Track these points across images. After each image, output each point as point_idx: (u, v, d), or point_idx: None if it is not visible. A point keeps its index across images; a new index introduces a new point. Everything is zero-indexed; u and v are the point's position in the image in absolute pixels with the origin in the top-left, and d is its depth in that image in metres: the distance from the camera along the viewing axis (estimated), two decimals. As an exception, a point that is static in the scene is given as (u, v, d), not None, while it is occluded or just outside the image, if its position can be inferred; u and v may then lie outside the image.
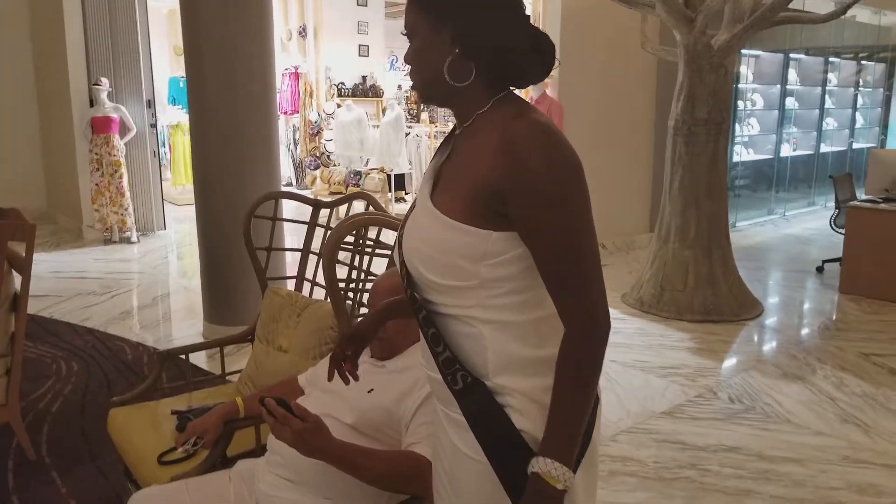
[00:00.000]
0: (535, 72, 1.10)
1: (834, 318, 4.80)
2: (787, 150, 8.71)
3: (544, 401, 1.06)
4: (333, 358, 1.37)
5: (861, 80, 10.01)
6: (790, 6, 4.51)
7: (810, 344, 4.21)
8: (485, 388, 1.08)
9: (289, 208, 2.68)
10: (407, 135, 8.29)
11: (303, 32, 10.35)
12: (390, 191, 7.92)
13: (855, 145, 9.90)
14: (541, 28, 5.24)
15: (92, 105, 6.59)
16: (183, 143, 9.27)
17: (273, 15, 4.04)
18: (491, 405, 1.08)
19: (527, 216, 1.01)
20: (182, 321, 4.47)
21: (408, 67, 1.13)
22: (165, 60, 10.87)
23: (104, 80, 6.49)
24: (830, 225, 5.89)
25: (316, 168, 9.56)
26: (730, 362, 3.94)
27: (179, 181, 9.27)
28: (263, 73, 3.89)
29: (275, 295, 2.34)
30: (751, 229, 7.69)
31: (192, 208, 4.07)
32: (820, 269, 5.81)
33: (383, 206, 7.83)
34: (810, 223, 7.98)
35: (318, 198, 7.20)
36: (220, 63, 3.73)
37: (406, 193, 8.78)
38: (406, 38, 1.10)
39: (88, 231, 6.80)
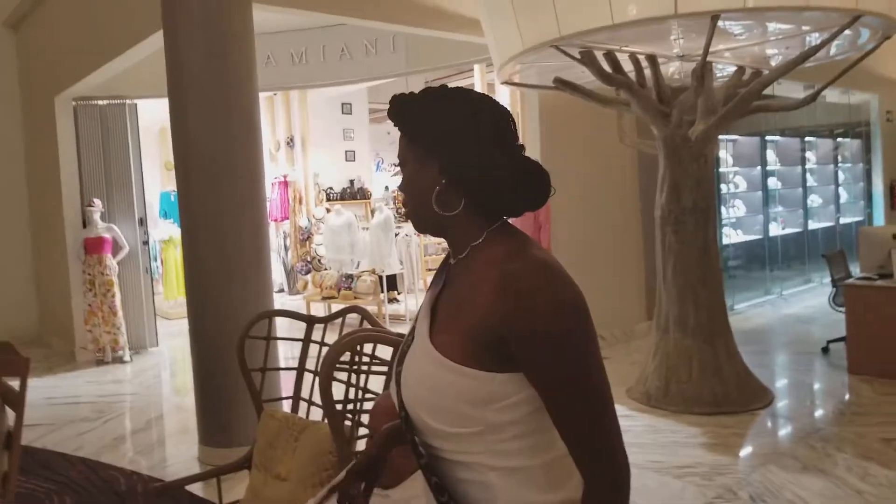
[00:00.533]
0: (528, 201, 1.09)
1: (847, 401, 4.69)
2: (775, 230, 8.82)
3: None
4: (341, 500, 1.25)
5: (840, 157, 10.30)
6: (762, 94, 4.69)
7: (827, 432, 4.07)
8: None
9: (281, 323, 2.63)
10: (396, 235, 8.35)
11: (290, 142, 10.65)
12: (383, 292, 7.89)
13: (842, 220, 10.05)
14: (521, 128, 5.38)
15: (85, 226, 6.65)
16: (175, 256, 9.29)
17: (261, 129, 4.15)
18: None
19: (532, 360, 0.97)
20: (177, 444, 4.31)
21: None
22: (157, 176, 11.11)
23: (97, 201, 6.58)
24: (830, 304, 5.86)
25: (307, 273, 9.56)
26: (746, 457, 3.79)
27: (172, 295, 9.22)
28: (253, 186, 3.95)
29: (271, 419, 2.25)
30: (750, 311, 7.65)
31: (185, 322, 4.02)
32: (825, 350, 5.72)
33: (376, 308, 7.84)
34: (809, 301, 7.96)
35: (313, 307, 7.08)
36: (210, 179, 3.79)
37: (398, 293, 8.74)
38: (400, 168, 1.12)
39: (81, 353, 6.69)
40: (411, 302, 8.35)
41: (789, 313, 7.51)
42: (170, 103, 3.90)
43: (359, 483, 1.26)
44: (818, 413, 4.55)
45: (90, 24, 5.95)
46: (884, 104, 10.22)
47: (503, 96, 8.40)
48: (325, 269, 8.76)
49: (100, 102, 6.84)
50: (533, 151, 6.10)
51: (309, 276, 9.51)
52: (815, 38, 4.43)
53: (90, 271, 6.46)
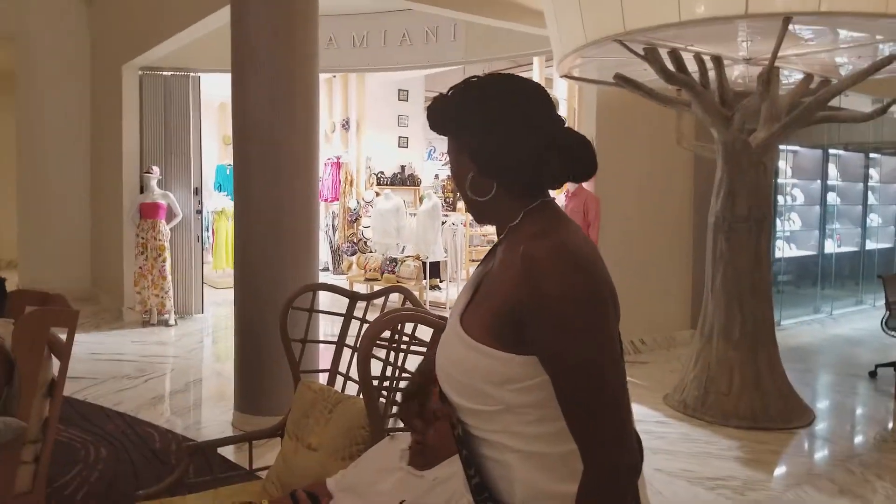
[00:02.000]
0: (567, 173, 1.09)
1: (891, 428, 4.53)
2: (831, 247, 8.53)
3: None
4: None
5: (904, 176, 9.89)
6: (829, 104, 4.53)
7: (867, 457, 3.93)
8: None
9: (324, 298, 2.68)
10: (443, 223, 8.38)
11: (346, 125, 10.76)
12: (425, 278, 7.94)
13: (902, 241, 9.67)
14: (577, 124, 5.29)
15: (142, 191, 6.86)
16: (226, 228, 9.53)
17: (319, 109, 4.20)
18: None
19: (544, 344, 0.98)
20: (213, 408, 4.43)
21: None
22: (214, 149, 11.38)
23: (155, 168, 6.78)
24: (882, 327, 5.65)
25: (353, 254, 9.69)
26: (781, 475, 3.70)
27: (220, 265, 9.47)
28: (308, 166, 4.01)
29: (307, 389, 2.30)
30: (797, 328, 7.44)
31: (231, 292, 4.12)
32: (873, 374, 5.52)
33: (418, 293, 7.89)
34: (859, 323, 7.69)
35: (356, 288, 7.21)
36: (267, 156, 3.86)
37: (441, 281, 8.78)
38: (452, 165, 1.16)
39: (128, 313, 6.93)
40: (452, 290, 8.38)
41: (838, 333, 7.27)
42: (232, 78, 3.98)
43: (412, 402, 1.42)
44: (859, 437, 4.40)
45: (159, -3, 6.11)
46: (958, 123, 9.75)
47: (561, 90, 8.33)
48: (371, 252, 8.86)
49: (165, 73, 7.04)
50: (587, 148, 6.02)
51: (354, 258, 9.64)
52: (887, 49, 4.25)
53: (144, 235, 6.67)
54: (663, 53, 4.36)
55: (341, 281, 9.44)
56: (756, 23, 3.83)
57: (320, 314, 3.53)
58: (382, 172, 11.23)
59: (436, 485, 1.55)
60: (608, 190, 5.90)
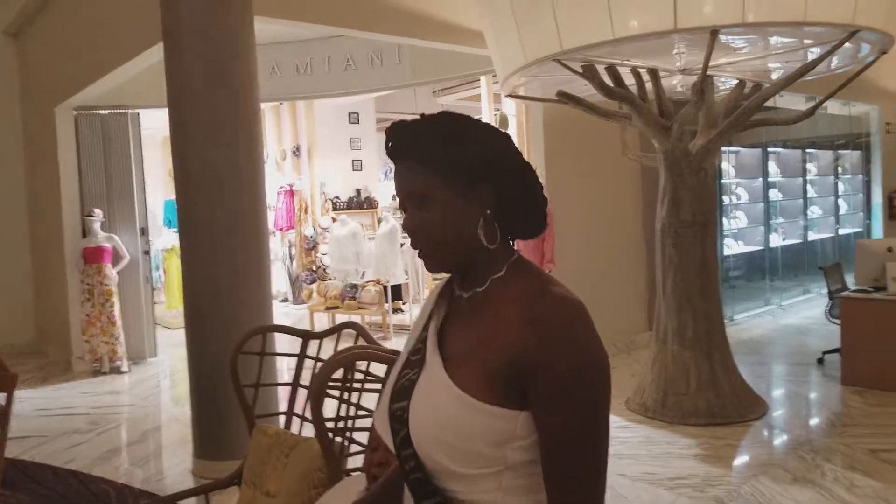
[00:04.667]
0: (540, 224, 1.09)
1: (839, 412, 4.69)
2: (776, 241, 8.81)
3: None
4: None
5: (840, 168, 10.29)
6: (763, 107, 4.70)
7: (818, 443, 4.07)
8: None
9: (283, 337, 2.65)
10: (402, 245, 8.37)
11: (297, 152, 10.70)
12: (387, 302, 7.91)
13: (842, 231, 10.03)
14: (525, 140, 5.37)
15: (85, 235, 6.68)
16: (177, 265, 9.32)
17: (264, 138, 4.17)
18: None
19: (546, 403, 0.94)
20: (173, 456, 4.32)
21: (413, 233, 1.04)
22: (161, 184, 11.17)
23: (97, 211, 6.62)
24: (826, 315, 5.86)
25: (312, 282, 9.59)
26: (738, 468, 3.80)
27: (174, 304, 9.25)
28: (254, 198, 3.97)
29: (262, 434, 2.26)
30: (749, 321, 7.64)
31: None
32: (820, 361, 5.72)
33: (381, 318, 7.84)
34: (807, 312, 7.94)
35: (317, 317, 7.05)
36: (210, 191, 3.80)
37: (403, 303, 8.75)
38: (413, 203, 1.02)
39: (78, 363, 6.71)
40: (416, 312, 8.36)
41: (788, 324, 7.49)
42: (169, 115, 3.92)
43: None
44: (810, 424, 4.55)
45: (91, 34, 5.99)
46: (884, 116, 10.21)
47: (509, 107, 8.44)
48: (330, 279, 8.78)
49: (102, 112, 6.89)
50: (537, 164, 6.11)
51: (314, 286, 9.55)
52: (816, 52, 4.44)
53: (89, 281, 6.49)
54: (601, 69, 4.47)
55: (302, 311, 9.33)
56: (688, 36, 3.96)
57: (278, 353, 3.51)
58: (338, 197, 11.18)
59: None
60: (560, 203, 5.98)
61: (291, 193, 10.38)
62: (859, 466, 3.66)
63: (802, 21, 3.61)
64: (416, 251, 1.05)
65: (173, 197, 4.13)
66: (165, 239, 9.90)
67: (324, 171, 10.86)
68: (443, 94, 12.30)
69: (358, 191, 11.56)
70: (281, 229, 10.36)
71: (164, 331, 8.33)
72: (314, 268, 9.75)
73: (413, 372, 1.04)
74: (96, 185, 6.88)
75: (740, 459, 3.94)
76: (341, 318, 7.76)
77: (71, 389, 6.11)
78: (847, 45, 4.04)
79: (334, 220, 9.53)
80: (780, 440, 4.24)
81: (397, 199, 1.07)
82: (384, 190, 12.89)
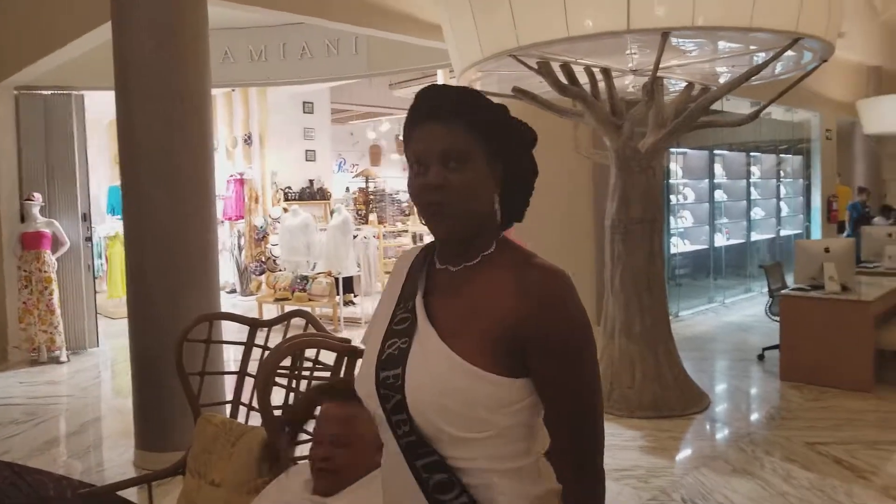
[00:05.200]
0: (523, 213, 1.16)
1: (777, 406, 4.86)
2: (720, 240, 9.08)
3: None
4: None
5: (782, 171, 10.66)
6: (710, 110, 4.83)
7: (758, 436, 4.22)
8: None
9: (229, 327, 2.58)
10: (355, 237, 8.31)
11: (248, 140, 10.50)
12: (338, 294, 7.84)
13: (783, 232, 10.40)
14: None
15: (23, 220, 6.42)
16: (120, 254, 9.05)
17: (214, 125, 4.08)
18: None
19: (547, 367, 1.02)
20: (113, 448, 4.19)
21: (439, 191, 1.04)
22: (106, 169, 10.82)
23: (37, 195, 6.37)
24: (766, 313, 6.07)
25: (261, 273, 9.44)
26: (682, 460, 3.91)
27: (116, 293, 8.98)
28: (203, 185, 3.88)
29: (208, 423, 2.22)
30: (693, 318, 7.86)
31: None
32: (761, 357, 5.92)
33: (332, 311, 7.77)
34: (749, 310, 8.22)
35: (265, 309, 6.91)
36: (157, 177, 3.71)
37: (355, 296, 8.70)
38: (445, 161, 1.03)
39: (14, 352, 6.45)
40: (368, 304, 8.31)
41: (730, 321, 7.73)
42: (116, 96, 3.80)
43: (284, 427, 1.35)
44: (750, 418, 4.71)
45: (36, 10, 5.76)
46: (824, 122, 10.62)
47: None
48: (280, 270, 8.66)
49: (44, 92, 6.62)
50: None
51: (263, 277, 9.40)
52: (761, 58, 4.58)
53: (27, 267, 6.24)
54: (556, 67, 4.52)
55: (250, 302, 9.18)
56: (640, 37, 4.04)
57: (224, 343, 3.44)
58: (289, 187, 11.03)
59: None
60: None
61: (241, 182, 10.20)
62: (796, 458, 3.81)
63: (749, 27, 3.72)
64: (427, 211, 1.05)
65: (118, 183, 4.00)
66: (108, 226, 9.60)
67: (276, 160, 10.70)
68: (399, 87, 12.26)
69: (311, 181, 11.42)
70: (230, 219, 10.17)
71: (105, 320, 8.08)
72: (263, 259, 9.61)
73: (402, 341, 1.07)
74: (36, 168, 6.61)
75: (683, 451, 4.05)
76: (291, 310, 7.66)
77: (7, 379, 5.89)
78: (790, 52, 4.18)
79: (285, 210, 9.40)
80: (721, 433, 4.37)
81: (419, 152, 1.06)
82: (337, 181, 12.78)
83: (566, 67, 4.58)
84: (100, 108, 7.67)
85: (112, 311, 8.77)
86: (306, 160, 11.51)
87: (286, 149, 10.99)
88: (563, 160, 6.33)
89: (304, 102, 11.50)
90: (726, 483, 3.50)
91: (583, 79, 4.80)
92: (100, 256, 9.45)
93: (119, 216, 9.72)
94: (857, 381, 4.98)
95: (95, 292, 7.08)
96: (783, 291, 5.53)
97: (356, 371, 1.29)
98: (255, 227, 9.99)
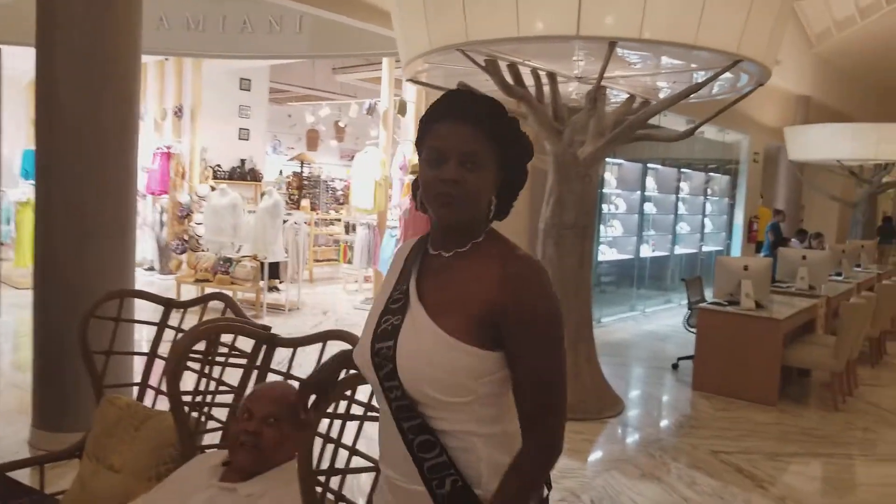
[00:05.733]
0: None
1: (688, 414, 5.03)
2: (646, 251, 9.35)
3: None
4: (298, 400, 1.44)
5: (709, 190, 11.09)
6: (648, 124, 4.94)
7: (667, 442, 4.35)
8: (473, 495, 1.18)
9: (143, 305, 2.41)
10: (285, 222, 8.09)
11: (179, 113, 10.06)
12: (263, 279, 7.62)
13: (704, 248, 10.82)
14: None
15: (-75, 176, 5.94)
16: (31, 220, 8.51)
17: (143, 93, 3.87)
18: None
19: (522, 344, 1.16)
20: (9, 425, 3.91)
21: (454, 186, 1.18)
22: (22, 132, 10.16)
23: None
24: (684, 324, 6.28)
25: (182, 252, 9.07)
26: (593, 463, 3.99)
27: (23, 262, 8.42)
28: (124, 155, 3.66)
29: (111, 405, 2.08)
30: (615, 325, 8.06)
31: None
32: (675, 366, 6.12)
33: (255, 295, 7.55)
34: (667, 320, 8.49)
35: (184, 289, 6.63)
36: (75, 142, 3.47)
37: (280, 282, 8.47)
38: (464, 160, 1.17)
39: None
40: (293, 292, 8.12)
41: (649, 329, 7.97)
42: (36, 54, 3.54)
43: (308, 396, 1.43)
44: (661, 424, 4.86)
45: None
46: (753, 145, 11.10)
47: (409, 93, 8.37)
48: (203, 251, 8.34)
49: (-43, 41, 6.15)
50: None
51: (184, 256, 9.04)
52: (701, 76, 4.71)
53: (-74, 227, 5.79)
54: (503, 66, 4.51)
55: (169, 281, 8.82)
56: (588, 44, 4.08)
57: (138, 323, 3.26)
58: (219, 166, 10.66)
59: (251, 501, 1.49)
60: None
61: (168, 156, 9.75)
62: (701, 465, 3.95)
63: (693, 44, 3.80)
64: (438, 199, 1.19)
65: (34, 147, 3.73)
66: (21, 191, 9.01)
67: (207, 136, 10.30)
68: (343, 72, 12.05)
69: (242, 161, 11.08)
70: (153, 193, 9.72)
71: (9, 290, 7.59)
72: (186, 237, 9.24)
73: (395, 318, 1.22)
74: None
75: (595, 454, 4.14)
76: (211, 292, 7.40)
77: None
78: (729, 74, 4.31)
79: (213, 188, 9.07)
80: (632, 438, 4.49)
81: (438, 147, 1.19)
82: (271, 163, 12.45)
83: (513, 67, 4.58)
84: (18, 64, 7.17)
85: (18, 280, 8.23)
86: (239, 139, 11.16)
87: (219, 125, 10.62)
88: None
89: (242, 79, 11.15)
90: (633, 487, 3.59)
91: (528, 81, 4.82)
92: (8, 222, 8.87)
93: (32, 181, 9.16)
94: (763, 395, 5.22)
95: (1, 260, 6.63)
96: (701, 305, 5.72)
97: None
98: (179, 204, 9.59)
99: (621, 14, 3.76)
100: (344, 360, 1.46)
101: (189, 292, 7.61)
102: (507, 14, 3.79)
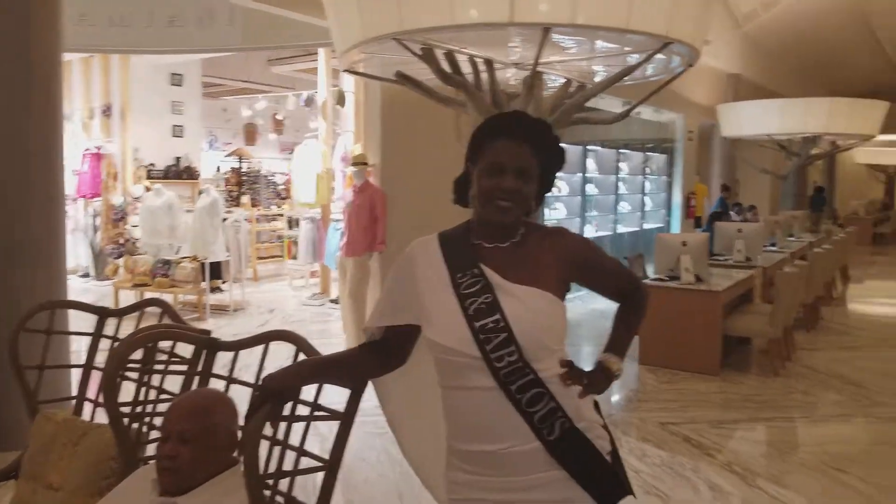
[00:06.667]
0: None
1: (635, 389, 5.16)
2: (590, 232, 9.52)
3: (600, 426, 1.51)
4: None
5: (648, 169, 11.35)
6: (585, 107, 4.99)
7: (616, 417, 4.47)
8: (578, 431, 1.41)
9: (78, 315, 2.31)
10: (224, 220, 7.90)
11: (107, 111, 9.69)
12: (205, 280, 7.43)
13: (646, 226, 11.09)
14: (363, 118, 5.32)
15: None
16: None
17: (67, 92, 3.70)
18: (584, 443, 1.42)
19: (599, 266, 1.56)
20: (-63, 447, 3.72)
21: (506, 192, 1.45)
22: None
23: None
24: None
25: (119, 256, 8.78)
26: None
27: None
28: (49, 159, 3.51)
29: (47, 422, 2.00)
30: (564, 306, 8.18)
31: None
32: (622, 343, 6.26)
33: (196, 297, 7.36)
34: (613, 299, 8.67)
35: (122, 295, 6.38)
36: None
37: (223, 282, 8.28)
38: (520, 174, 1.44)
39: None
40: (237, 292, 7.95)
41: (595, 308, 8.12)
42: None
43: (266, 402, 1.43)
44: (611, 400, 4.95)
45: None
46: (688, 124, 11.39)
47: (348, 83, 8.26)
48: (140, 254, 8.08)
49: None
50: (373, 143, 6.05)
51: (121, 261, 8.75)
52: (634, 59, 4.79)
53: None
54: (440, 55, 4.48)
55: (106, 287, 8.52)
56: (523, 31, 4.09)
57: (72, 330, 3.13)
58: (153, 165, 10.33)
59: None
60: (394, 185, 5.98)
61: (99, 157, 9.40)
62: (650, 438, 4.07)
63: (625, 28, 3.86)
64: (498, 206, 1.44)
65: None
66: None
67: (138, 134, 9.97)
68: (278, 64, 11.80)
69: (177, 159, 10.75)
70: (84, 196, 9.36)
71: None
72: (122, 240, 8.94)
73: (484, 296, 1.41)
74: None
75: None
76: (145, 298, 7.18)
77: None
78: (660, 55, 4.40)
79: (148, 189, 8.79)
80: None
81: (499, 162, 1.45)
82: (207, 160, 12.12)
83: (450, 55, 4.56)
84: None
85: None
86: (173, 136, 10.83)
87: (150, 123, 10.28)
88: (445, 148, 6.34)
89: (173, 74, 10.80)
90: (587, 463, 3.66)
91: (466, 68, 4.81)
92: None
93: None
94: (706, 365, 5.40)
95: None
96: (644, 281, 5.86)
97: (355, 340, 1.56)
98: (112, 206, 9.26)
99: (554, 0, 3.78)
100: (316, 370, 1.56)
101: (128, 297, 7.37)
102: (440, 2, 3.77)
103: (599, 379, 1.50)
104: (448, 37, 4.26)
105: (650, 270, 6.35)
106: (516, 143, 1.44)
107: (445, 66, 4.53)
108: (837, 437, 4.23)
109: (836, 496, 3.39)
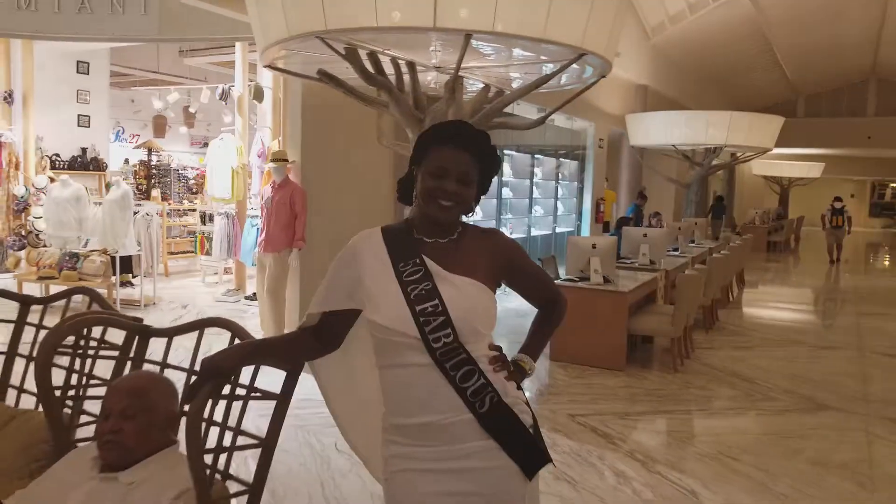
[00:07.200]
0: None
1: (546, 383, 5.42)
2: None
3: (523, 402, 1.63)
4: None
5: (560, 174, 11.78)
6: (503, 112, 5.20)
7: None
8: (504, 404, 1.56)
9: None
10: (135, 213, 7.66)
11: (9, 98, 9.17)
12: (115, 274, 7.18)
13: (558, 229, 11.51)
14: (282, 115, 5.32)
15: None
16: None
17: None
18: (510, 416, 1.56)
19: (524, 270, 1.73)
20: None
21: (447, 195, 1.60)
22: None
23: None
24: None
25: (21, 249, 8.33)
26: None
27: None
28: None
29: (-33, 410, 1.97)
30: (480, 305, 8.40)
31: None
32: (536, 340, 6.52)
33: (106, 291, 7.10)
34: (526, 298, 8.97)
35: (26, 288, 6.14)
36: None
37: (133, 276, 8.02)
38: (461, 179, 1.59)
39: None
40: (147, 286, 7.71)
41: (509, 307, 8.30)
42: None
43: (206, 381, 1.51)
44: (526, 394, 5.15)
45: None
46: (598, 132, 11.91)
47: (266, 79, 8.17)
48: (45, 246, 7.71)
49: None
50: (294, 140, 6.04)
51: (23, 253, 8.30)
52: (550, 68, 5.04)
53: None
54: (363, 55, 4.57)
55: (6, 280, 8.06)
56: (444, 36, 4.23)
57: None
58: (58, 155, 9.84)
59: (133, 489, 1.49)
60: (314, 182, 5.99)
61: (-1, 145, 8.88)
62: (560, 429, 4.29)
63: (542, 38, 4.08)
64: (439, 206, 1.58)
65: None
66: None
67: (42, 123, 9.48)
68: (191, 55, 11.49)
69: (84, 149, 10.29)
70: (-17, 186, 8.81)
71: None
72: (24, 232, 8.49)
73: (424, 284, 1.55)
74: None
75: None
76: (57, 289, 6.87)
77: None
78: (575, 65, 4.65)
79: (52, 180, 8.38)
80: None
81: (443, 167, 1.59)
82: (115, 152, 11.62)
83: (373, 56, 4.65)
84: None
85: None
86: (79, 125, 10.36)
87: (55, 111, 9.80)
88: (366, 149, 6.42)
89: (79, 62, 10.33)
90: (500, 453, 3.84)
91: (389, 69, 4.91)
92: None
93: None
94: (613, 361, 5.73)
95: None
96: (555, 281, 6.14)
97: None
98: (14, 197, 8.77)
99: (475, 8, 3.94)
100: (255, 350, 1.67)
101: (32, 290, 7.01)
102: (365, 3, 3.86)
103: (514, 374, 1.66)
104: (372, 38, 4.34)
105: (562, 271, 6.65)
106: (459, 150, 1.59)
107: (369, 66, 4.61)
108: (731, 429, 4.55)
109: (728, 481, 3.66)
